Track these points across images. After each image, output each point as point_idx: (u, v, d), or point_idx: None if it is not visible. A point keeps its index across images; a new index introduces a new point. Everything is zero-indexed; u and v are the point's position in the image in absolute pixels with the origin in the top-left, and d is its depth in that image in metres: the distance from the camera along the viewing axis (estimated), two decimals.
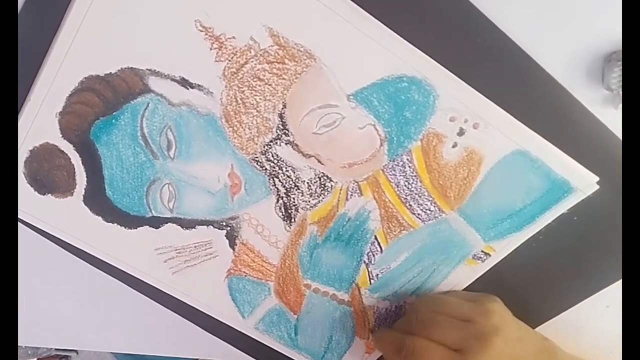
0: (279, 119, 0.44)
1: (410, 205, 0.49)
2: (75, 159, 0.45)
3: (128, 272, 0.51)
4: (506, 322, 0.49)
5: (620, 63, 0.40)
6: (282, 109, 0.44)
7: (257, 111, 0.44)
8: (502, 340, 0.46)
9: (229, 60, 0.42)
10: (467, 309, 0.49)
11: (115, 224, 0.48)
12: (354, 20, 0.40)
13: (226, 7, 0.40)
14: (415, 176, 0.47)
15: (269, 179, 0.47)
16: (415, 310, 0.51)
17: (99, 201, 0.47)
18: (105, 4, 0.39)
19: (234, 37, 0.41)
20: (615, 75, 0.41)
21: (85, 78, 0.42)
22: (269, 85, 0.43)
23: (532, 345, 0.49)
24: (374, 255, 0.52)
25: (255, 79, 0.43)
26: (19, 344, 0.56)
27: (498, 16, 0.40)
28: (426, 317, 0.49)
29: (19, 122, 0.43)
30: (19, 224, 0.47)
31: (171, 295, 0.52)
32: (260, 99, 0.43)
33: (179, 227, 0.49)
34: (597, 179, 0.47)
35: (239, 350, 0.58)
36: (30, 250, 0.49)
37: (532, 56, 0.42)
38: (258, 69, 0.42)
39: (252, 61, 0.42)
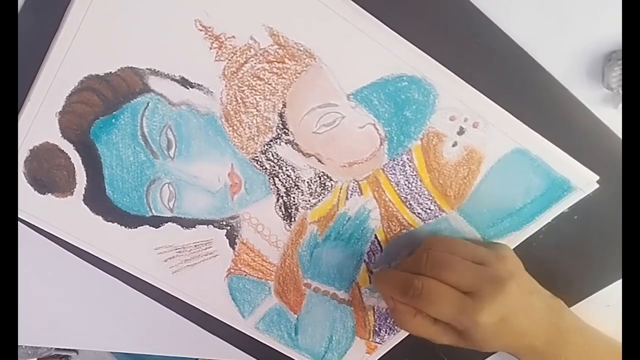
0: (279, 118, 0.44)
1: (410, 204, 0.49)
2: (75, 159, 0.45)
3: (128, 271, 0.51)
4: (520, 270, 0.47)
5: (620, 62, 0.40)
6: (282, 108, 0.44)
7: (257, 110, 0.44)
8: (516, 287, 0.44)
9: (229, 60, 0.42)
10: (482, 252, 0.47)
11: (115, 224, 0.48)
12: (354, 20, 0.40)
13: (226, 7, 0.40)
14: (415, 175, 0.47)
15: (269, 179, 0.47)
16: (427, 250, 0.47)
17: (99, 200, 0.47)
18: (105, 3, 0.39)
19: (233, 37, 0.41)
20: (615, 75, 0.41)
21: (85, 78, 0.42)
22: (269, 84, 0.43)
23: (542, 300, 0.47)
24: (374, 255, 0.52)
25: (255, 79, 0.43)
26: (19, 344, 0.56)
27: (498, 16, 0.40)
28: (439, 257, 0.46)
29: (19, 122, 0.43)
30: (19, 223, 0.47)
31: (171, 295, 0.52)
32: (260, 98, 0.43)
33: (179, 226, 0.49)
34: (597, 177, 0.47)
35: (239, 350, 0.58)
36: (30, 250, 0.49)
37: (532, 55, 0.42)
38: (258, 69, 0.42)
39: (252, 60, 0.42)
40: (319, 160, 0.46)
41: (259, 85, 0.43)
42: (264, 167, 0.46)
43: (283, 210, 0.49)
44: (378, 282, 0.50)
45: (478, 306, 0.43)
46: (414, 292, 0.45)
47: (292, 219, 0.49)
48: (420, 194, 0.48)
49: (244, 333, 0.56)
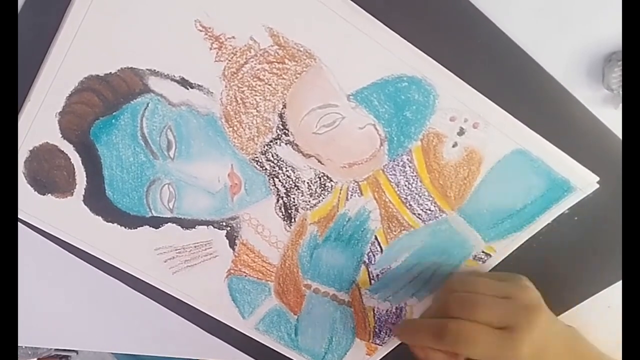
0: (279, 119, 0.44)
1: (410, 205, 0.49)
2: (75, 159, 0.45)
3: (128, 272, 0.51)
4: (541, 299, 0.47)
5: (620, 63, 0.40)
6: (282, 108, 0.44)
7: (257, 111, 0.44)
8: (545, 316, 0.44)
9: (229, 60, 0.42)
10: (504, 286, 0.46)
11: (115, 224, 0.48)
12: (354, 20, 0.40)
13: (226, 7, 0.40)
14: (415, 176, 0.47)
15: (269, 179, 0.47)
16: (449, 292, 0.47)
17: (99, 201, 0.47)
18: (105, 3, 0.39)
19: (233, 37, 0.41)
20: (616, 75, 0.41)
21: (85, 78, 0.42)
22: (269, 85, 0.43)
23: (564, 327, 0.48)
24: (374, 256, 0.52)
25: (255, 79, 0.43)
26: (18, 344, 0.56)
27: (498, 16, 0.40)
28: (465, 297, 0.46)
29: (19, 122, 0.43)
30: (19, 224, 0.47)
31: (171, 295, 0.52)
32: (260, 98, 0.43)
33: (179, 227, 0.49)
34: (598, 178, 0.46)
35: (239, 351, 0.58)
36: (30, 250, 0.49)
37: (532, 56, 0.42)
38: (258, 69, 0.42)
39: (252, 61, 0.42)
40: (319, 161, 0.46)
41: (259, 85, 0.43)
42: (264, 168, 0.46)
43: (283, 211, 0.49)
44: (406, 333, 0.49)
45: (517, 338, 0.43)
46: (449, 335, 0.44)
47: (292, 220, 0.49)
48: (420, 194, 0.48)
49: (243, 334, 0.56)
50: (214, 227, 0.49)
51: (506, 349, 0.43)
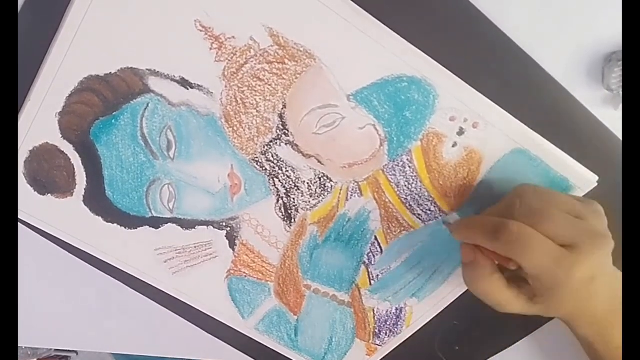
0: (279, 119, 0.44)
1: (410, 205, 0.49)
2: (75, 159, 0.45)
3: (128, 272, 0.51)
4: (608, 230, 0.44)
5: (620, 63, 0.40)
6: (282, 109, 0.44)
7: (257, 111, 0.44)
8: (608, 246, 0.42)
9: (229, 60, 0.42)
10: (578, 205, 0.43)
11: (115, 224, 0.48)
12: (354, 20, 0.40)
13: (226, 7, 0.40)
14: (415, 176, 0.47)
15: (269, 179, 0.47)
16: (520, 197, 0.43)
17: (99, 201, 0.47)
18: (105, 4, 0.39)
19: (233, 37, 0.41)
20: (615, 75, 0.41)
21: (85, 78, 0.42)
22: (269, 85, 0.43)
23: (614, 272, 0.43)
24: (374, 256, 0.52)
25: (255, 79, 0.43)
26: (18, 344, 0.56)
27: (498, 16, 0.41)
28: (534, 205, 0.42)
29: (19, 122, 0.43)
30: (19, 224, 0.47)
31: (171, 296, 0.52)
32: (260, 99, 0.43)
33: (179, 227, 0.49)
34: (597, 177, 0.46)
35: (238, 351, 0.58)
36: (30, 250, 0.49)
37: (532, 56, 0.42)
38: (258, 69, 0.42)
39: (252, 61, 0.42)
40: (319, 161, 0.46)
41: (259, 86, 0.43)
42: (264, 168, 0.46)
43: (283, 211, 0.49)
44: (464, 227, 0.45)
45: (576, 259, 0.40)
46: (507, 236, 0.40)
47: (292, 220, 0.49)
48: (420, 195, 0.48)
49: (243, 334, 0.56)
50: (214, 227, 0.49)
51: (561, 266, 0.40)
